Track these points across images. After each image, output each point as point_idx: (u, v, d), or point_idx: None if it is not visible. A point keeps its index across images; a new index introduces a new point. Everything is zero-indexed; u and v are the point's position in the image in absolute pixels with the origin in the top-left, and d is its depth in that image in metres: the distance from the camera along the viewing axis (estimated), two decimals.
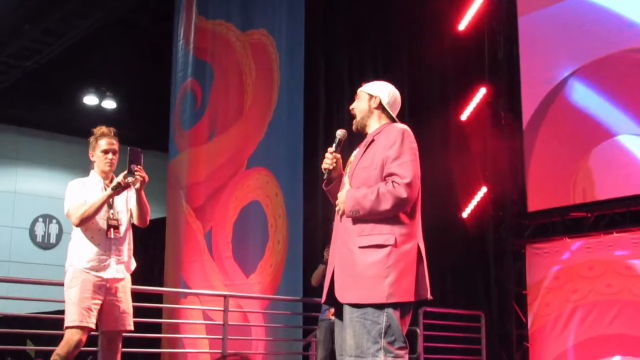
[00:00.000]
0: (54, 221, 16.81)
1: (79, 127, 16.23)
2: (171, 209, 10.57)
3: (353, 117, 3.56)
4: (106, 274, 4.34)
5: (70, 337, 4.14)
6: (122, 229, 4.46)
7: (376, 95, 3.53)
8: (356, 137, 3.61)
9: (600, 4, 7.38)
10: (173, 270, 10.15)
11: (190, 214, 9.99)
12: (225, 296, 6.95)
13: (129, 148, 4.32)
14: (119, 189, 4.31)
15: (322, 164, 3.47)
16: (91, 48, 12.93)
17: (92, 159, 4.58)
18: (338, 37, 9.48)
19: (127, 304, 4.39)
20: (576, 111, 7.42)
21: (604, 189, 7.13)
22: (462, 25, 8.44)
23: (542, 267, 7.59)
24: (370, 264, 3.19)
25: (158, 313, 9.88)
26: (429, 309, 7.40)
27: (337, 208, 3.37)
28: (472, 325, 7.68)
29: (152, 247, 12.46)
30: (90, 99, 15.28)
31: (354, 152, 3.50)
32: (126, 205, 4.53)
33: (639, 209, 7.00)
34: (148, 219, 4.50)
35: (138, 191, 4.35)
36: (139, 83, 13.92)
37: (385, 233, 3.23)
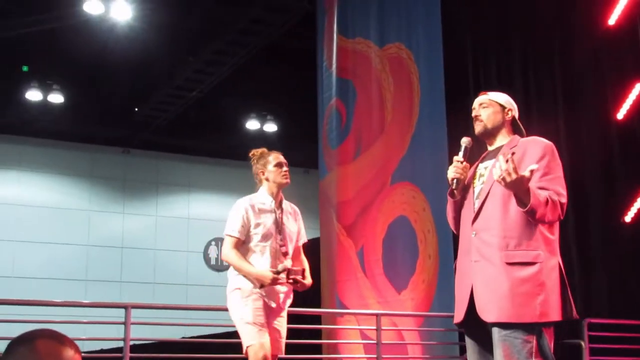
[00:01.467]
0: None
1: (243, 152, 16.85)
2: (324, 229, 10.65)
3: (477, 123, 3.45)
4: (274, 299, 4.36)
5: (255, 356, 4.17)
6: (289, 255, 4.47)
7: (510, 108, 3.45)
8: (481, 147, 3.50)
9: None
10: (329, 290, 10.20)
11: (342, 232, 10.03)
12: (377, 315, 6.91)
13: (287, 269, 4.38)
14: (264, 285, 4.34)
15: (448, 172, 3.38)
16: (249, 74, 13.52)
17: (262, 177, 4.57)
18: (482, 42, 9.23)
19: (284, 329, 4.44)
20: None
21: None
22: (612, 20, 8.02)
23: None
24: (520, 280, 3.08)
25: (315, 333, 9.96)
26: (593, 321, 7.03)
27: (505, 177, 3.03)
28: None
29: (310, 266, 12.60)
30: (252, 124, 15.98)
31: (483, 164, 3.38)
32: (297, 234, 4.55)
33: None
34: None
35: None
36: (296, 105, 14.29)
37: (534, 249, 3.12)
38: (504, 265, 3.10)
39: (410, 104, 9.10)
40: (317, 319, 9.44)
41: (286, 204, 4.58)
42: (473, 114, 3.49)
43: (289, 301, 4.50)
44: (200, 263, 17.31)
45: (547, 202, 3.09)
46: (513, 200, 3.11)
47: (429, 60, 8.89)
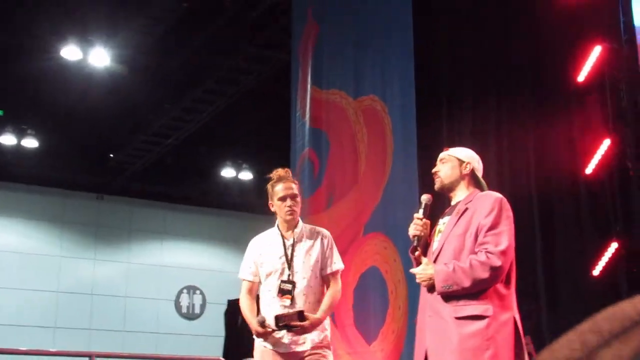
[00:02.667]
0: (198, 292, 17.42)
1: (218, 200, 17.08)
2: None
3: (436, 179, 3.49)
4: (277, 344, 4.02)
5: None
6: (299, 292, 3.95)
7: (468, 162, 3.47)
8: (443, 203, 3.54)
9: None
10: None
11: None
12: None
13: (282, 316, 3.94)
14: (259, 332, 3.94)
15: (409, 230, 3.40)
16: (225, 122, 13.58)
17: (272, 209, 4.18)
18: (457, 96, 9.38)
19: None
20: None
21: None
22: (581, 76, 8.18)
23: None
24: (468, 335, 3.07)
25: None
26: None
27: (422, 282, 3.27)
28: None
29: None
30: (227, 172, 15.98)
31: (442, 220, 3.43)
32: (319, 262, 3.98)
33: None
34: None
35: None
36: (271, 153, 14.35)
37: (483, 303, 3.13)
38: (453, 320, 3.12)
39: (383, 156, 9.18)
40: None
41: (306, 232, 4.11)
42: (433, 170, 3.56)
43: (307, 337, 3.98)
44: (171, 311, 17.14)
45: (459, 271, 3.14)
46: (463, 255, 3.16)
47: (403, 113, 9.01)
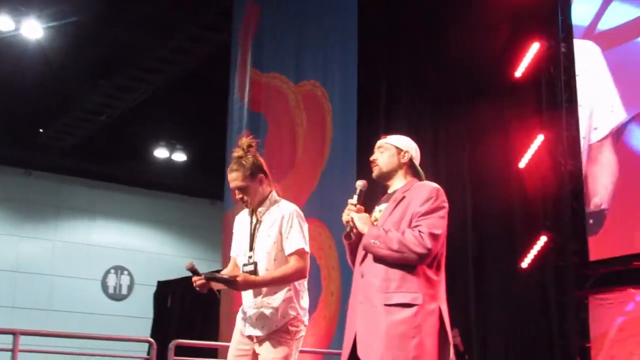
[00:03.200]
0: (126, 272, 17.20)
1: (150, 180, 16.87)
2: (226, 261, 10.55)
3: (374, 167, 3.49)
4: (243, 329, 3.78)
5: None
6: (260, 273, 3.70)
7: (406, 150, 3.47)
8: (377, 191, 3.54)
9: None
10: (228, 323, 10.08)
11: None
12: None
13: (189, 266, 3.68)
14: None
15: (342, 216, 3.38)
16: (161, 102, 13.34)
17: None
18: (396, 84, 9.45)
19: None
20: (636, 156, 7.20)
21: None
22: (518, 72, 8.32)
23: (606, 319, 7.29)
24: (396, 322, 3.09)
25: None
26: None
27: (354, 224, 3.27)
28: None
29: (210, 299, 12.43)
30: (160, 152, 15.73)
31: (379, 207, 3.44)
32: (273, 244, 3.73)
33: None
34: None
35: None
36: (207, 135, 14.21)
37: (413, 291, 3.14)
38: (383, 307, 3.13)
39: (322, 141, 9.18)
40: (213, 352, 9.30)
41: (270, 211, 3.83)
42: (371, 158, 3.52)
43: (266, 323, 3.66)
44: (98, 291, 16.88)
45: (390, 234, 3.17)
46: None
47: (343, 100, 9.02)
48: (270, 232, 3.76)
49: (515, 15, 8.24)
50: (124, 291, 17.14)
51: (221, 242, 11.18)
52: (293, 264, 3.69)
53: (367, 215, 3.33)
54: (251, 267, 3.72)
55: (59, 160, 16.00)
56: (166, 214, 17.47)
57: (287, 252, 3.72)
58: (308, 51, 9.78)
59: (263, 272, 3.71)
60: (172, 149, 15.80)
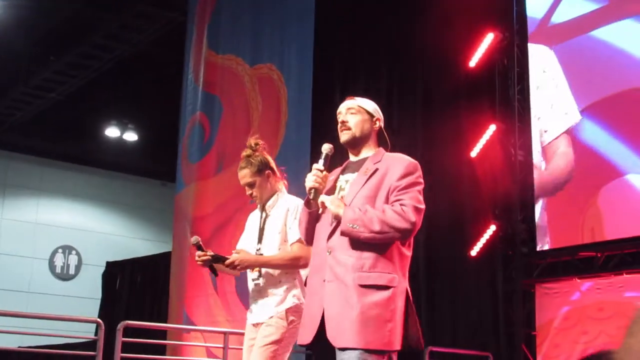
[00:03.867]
0: (74, 252, 16.96)
1: (101, 159, 16.63)
2: (177, 243, 10.49)
3: (345, 131, 3.26)
4: (249, 317, 3.94)
5: None
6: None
7: (379, 117, 3.31)
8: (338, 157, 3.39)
9: (610, 41, 7.30)
10: (177, 305, 10.04)
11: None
12: (225, 333, 6.84)
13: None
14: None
15: (306, 181, 3.15)
16: (112, 81, 13.12)
17: None
18: (352, 70, 9.46)
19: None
20: (585, 149, 7.33)
21: (613, 228, 6.99)
22: (472, 62, 8.38)
23: (551, 308, 7.43)
24: (371, 304, 2.95)
25: (161, 349, 9.76)
26: (435, 349, 7.25)
27: (312, 196, 3.09)
28: None
29: (160, 281, 12.38)
30: (111, 131, 15.51)
31: (344, 177, 3.24)
32: (277, 235, 3.88)
33: None
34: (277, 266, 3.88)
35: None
36: (159, 115, 14.04)
37: (389, 272, 3.01)
38: (357, 288, 2.95)
39: (277, 125, 9.16)
40: (162, 334, 9.27)
41: (277, 206, 3.98)
42: (340, 119, 3.28)
43: (264, 311, 3.81)
44: (45, 271, 16.62)
45: (370, 214, 2.99)
46: None
47: (299, 84, 9.00)
48: (276, 226, 3.89)
49: (471, 5, 8.28)
50: (72, 271, 16.90)
51: (172, 223, 11.10)
52: (294, 250, 3.83)
53: (338, 198, 3.11)
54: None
55: (7, 137, 15.67)
56: (116, 194, 17.25)
57: (289, 241, 3.85)
58: (265, 34, 9.72)
59: None
60: (123, 128, 15.61)
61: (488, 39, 8.32)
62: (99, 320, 6.42)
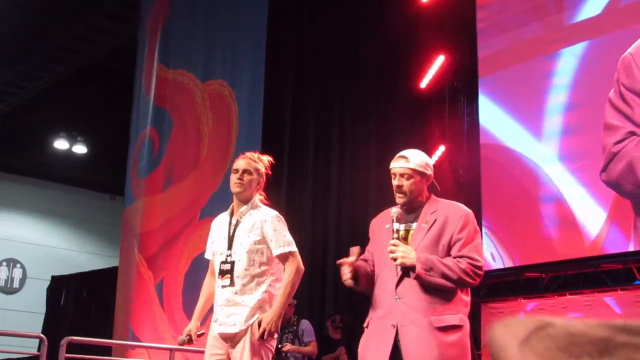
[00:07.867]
0: (18, 265, 16.62)
1: (48, 172, 16.36)
2: (124, 258, 10.38)
3: (400, 196, 3.44)
4: (217, 327, 3.87)
5: None
6: (237, 274, 3.81)
7: (430, 174, 3.46)
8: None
9: None
10: (122, 321, 9.92)
11: (142, 263, 9.81)
12: (171, 350, 6.77)
13: None
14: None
15: (345, 282, 3.39)
16: (62, 92, 12.96)
17: None
18: (302, 89, 9.49)
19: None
20: (527, 173, 7.42)
21: (555, 250, 7.09)
22: (423, 83, 8.48)
23: None
24: (448, 344, 3.22)
25: None
26: None
27: (402, 260, 3.29)
28: None
29: (106, 296, 12.22)
30: (60, 144, 15.29)
31: (400, 226, 3.43)
32: (253, 246, 3.86)
33: (591, 271, 6.97)
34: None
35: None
36: (109, 129, 13.89)
37: (458, 313, 3.30)
38: (433, 330, 3.22)
39: (227, 142, 9.13)
40: (107, 350, 9.13)
41: (251, 213, 3.95)
42: (395, 183, 3.41)
43: (237, 319, 3.79)
44: None
45: (442, 262, 3.26)
46: None
47: (250, 100, 9.00)
48: (250, 234, 3.87)
49: (422, 27, 8.39)
50: (16, 284, 16.58)
51: (119, 238, 10.98)
52: (290, 268, 3.86)
53: (408, 247, 3.33)
54: (228, 267, 3.83)
55: None
56: (64, 207, 16.99)
57: (275, 254, 3.86)
58: (216, 50, 9.70)
59: (241, 271, 3.81)
60: (72, 141, 15.40)
61: (439, 61, 8.43)
62: (41, 335, 6.31)
